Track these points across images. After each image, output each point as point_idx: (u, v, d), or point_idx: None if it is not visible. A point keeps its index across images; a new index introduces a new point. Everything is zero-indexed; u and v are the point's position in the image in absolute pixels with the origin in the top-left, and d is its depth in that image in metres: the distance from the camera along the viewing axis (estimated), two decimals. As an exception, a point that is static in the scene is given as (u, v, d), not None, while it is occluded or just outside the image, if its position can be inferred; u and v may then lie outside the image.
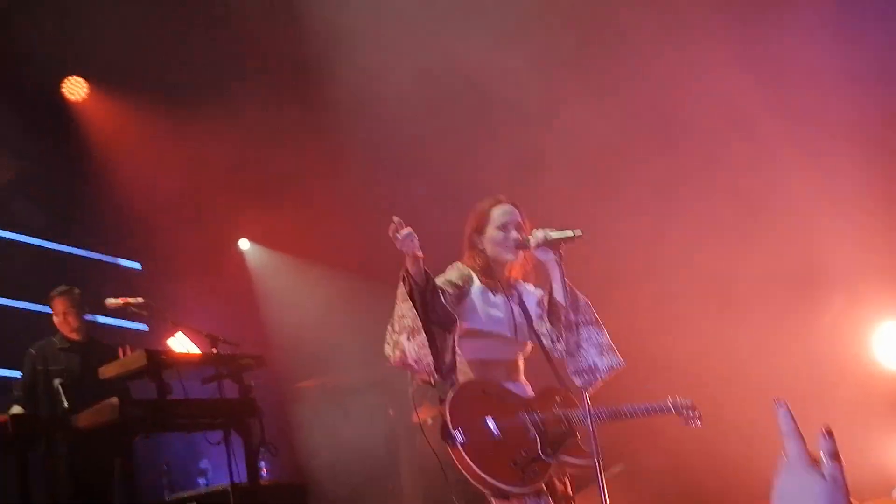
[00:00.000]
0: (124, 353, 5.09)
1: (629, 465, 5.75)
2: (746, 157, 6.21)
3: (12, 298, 7.47)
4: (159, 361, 4.86)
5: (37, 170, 7.74)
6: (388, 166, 7.35)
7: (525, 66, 6.40)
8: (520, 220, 3.61)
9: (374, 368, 6.28)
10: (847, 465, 1.12)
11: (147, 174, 7.85)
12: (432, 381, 3.24)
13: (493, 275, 3.58)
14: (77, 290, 5.93)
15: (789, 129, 5.99)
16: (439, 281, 3.37)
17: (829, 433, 1.11)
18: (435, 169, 6.85)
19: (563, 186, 6.15)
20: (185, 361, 5.13)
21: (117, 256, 8.52)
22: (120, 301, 5.38)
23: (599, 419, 3.37)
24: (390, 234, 3.08)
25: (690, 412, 3.64)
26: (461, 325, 3.41)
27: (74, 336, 5.82)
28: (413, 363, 3.17)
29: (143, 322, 7.01)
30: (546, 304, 3.54)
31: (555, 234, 3.40)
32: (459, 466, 3.16)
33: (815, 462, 1.11)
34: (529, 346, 3.62)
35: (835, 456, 1.11)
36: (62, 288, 5.88)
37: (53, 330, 5.92)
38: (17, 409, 5.42)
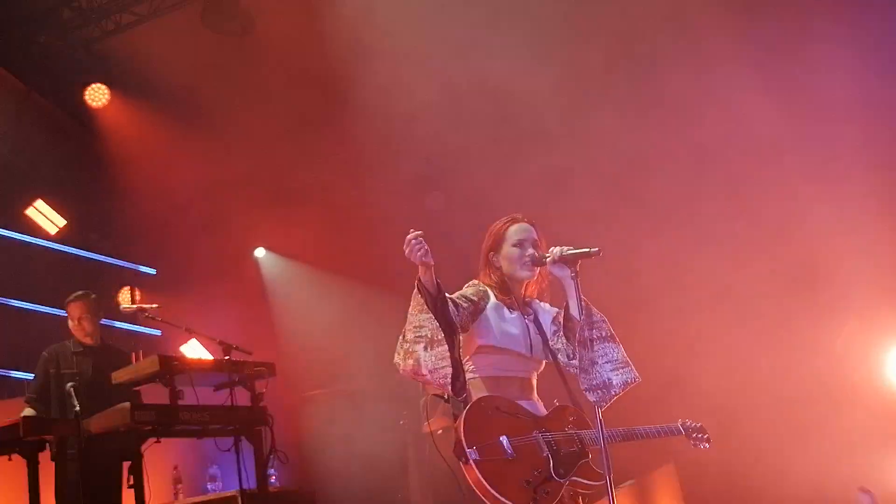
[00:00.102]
0: (137, 359, 5.10)
1: (638, 481, 5.73)
2: (768, 181, 6.23)
3: (31, 302, 7.53)
4: (172, 367, 4.89)
5: (57, 175, 7.80)
6: (408, 180, 7.36)
7: (551, 84, 6.42)
8: (536, 237, 3.60)
9: (386, 378, 6.27)
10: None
11: (166, 182, 7.90)
12: (445, 396, 3.22)
13: (508, 292, 3.56)
14: (93, 296, 5.95)
15: (810, 156, 6.03)
16: (454, 295, 3.36)
17: (866, 491, 1.11)
18: (457, 184, 6.86)
19: (586, 204, 6.16)
20: (197, 368, 5.16)
21: (136, 263, 8.57)
22: (134, 306, 5.40)
23: (612, 440, 3.34)
24: (404, 247, 3.07)
25: (700, 435, 3.75)
26: (475, 342, 3.40)
27: (88, 340, 5.84)
28: (427, 373, 3.12)
29: (157, 328, 7.03)
30: (561, 320, 3.53)
31: (571, 251, 3.39)
32: (472, 485, 3.14)
33: None
34: (544, 363, 3.60)
35: None
36: (78, 293, 5.90)
37: (70, 334, 5.94)
38: (29, 412, 5.45)
